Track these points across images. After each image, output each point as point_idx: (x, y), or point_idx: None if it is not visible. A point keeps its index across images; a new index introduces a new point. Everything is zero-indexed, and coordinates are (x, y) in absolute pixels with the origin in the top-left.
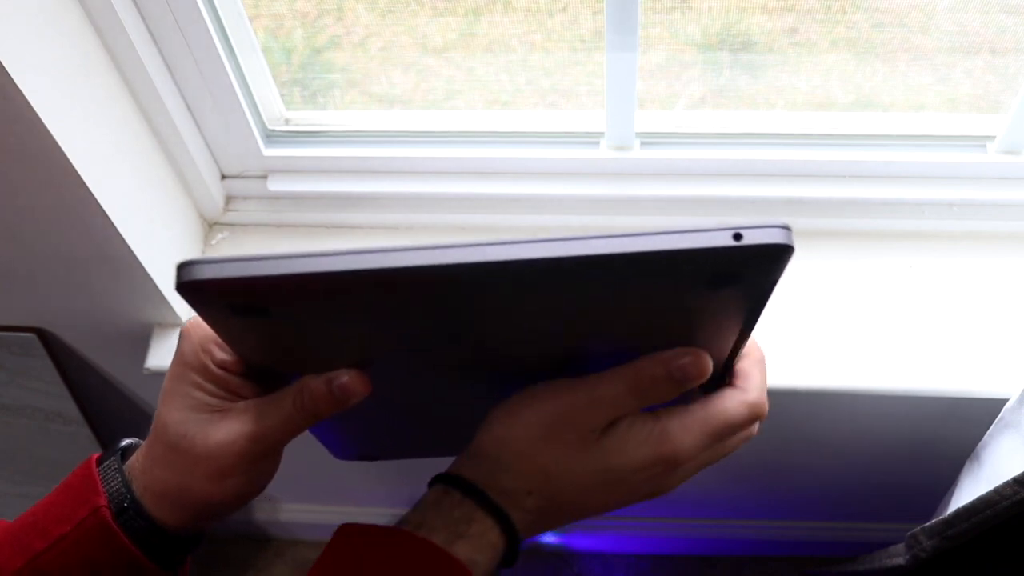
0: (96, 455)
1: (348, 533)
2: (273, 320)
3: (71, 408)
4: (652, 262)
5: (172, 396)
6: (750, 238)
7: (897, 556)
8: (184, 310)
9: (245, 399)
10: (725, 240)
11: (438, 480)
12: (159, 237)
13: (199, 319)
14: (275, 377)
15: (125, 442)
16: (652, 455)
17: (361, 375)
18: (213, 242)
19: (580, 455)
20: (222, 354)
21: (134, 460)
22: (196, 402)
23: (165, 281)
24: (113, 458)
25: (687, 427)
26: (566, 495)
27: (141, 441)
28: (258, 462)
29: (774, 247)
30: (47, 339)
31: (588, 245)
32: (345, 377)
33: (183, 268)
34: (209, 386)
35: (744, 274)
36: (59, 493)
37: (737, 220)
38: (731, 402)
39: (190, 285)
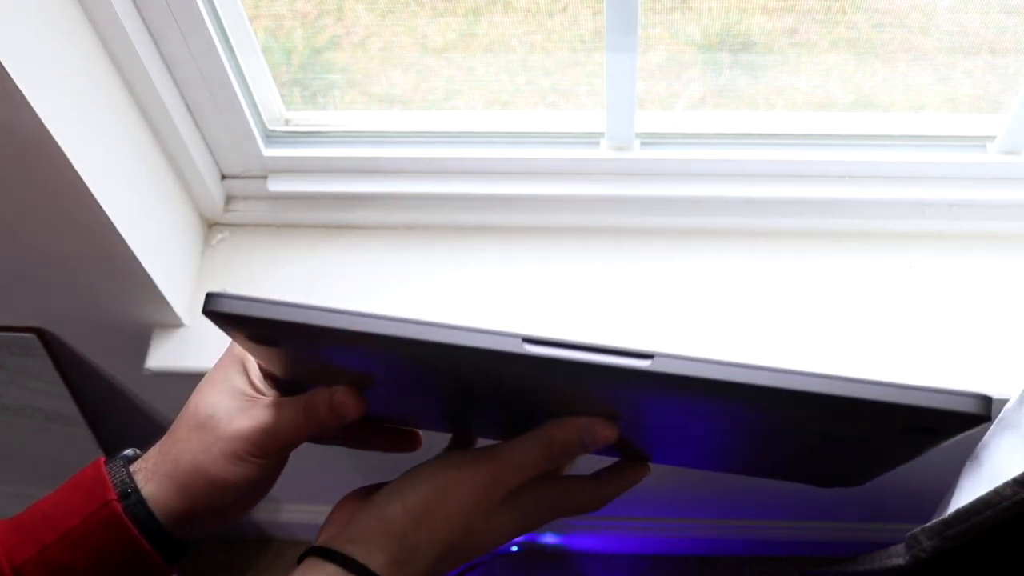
0: (103, 458)
1: None
2: (283, 349)
3: (71, 408)
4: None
5: (211, 382)
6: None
7: (897, 556)
8: (184, 310)
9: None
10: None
11: (331, 559)
12: (159, 237)
13: None
14: (297, 383)
15: (129, 451)
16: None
17: (354, 395)
18: (213, 242)
19: (490, 524)
20: None
21: (143, 459)
22: (233, 388)
23: (165, 281)
24: (119, 460)
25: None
26: (461, 557)
27: (141, 453)
28: (269, 456)
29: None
30: (47, 339)
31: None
32: (340, 395)
33: (210, 298)
34: (250, 376)
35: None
36: (67, 490)
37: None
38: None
39: (213, 314)
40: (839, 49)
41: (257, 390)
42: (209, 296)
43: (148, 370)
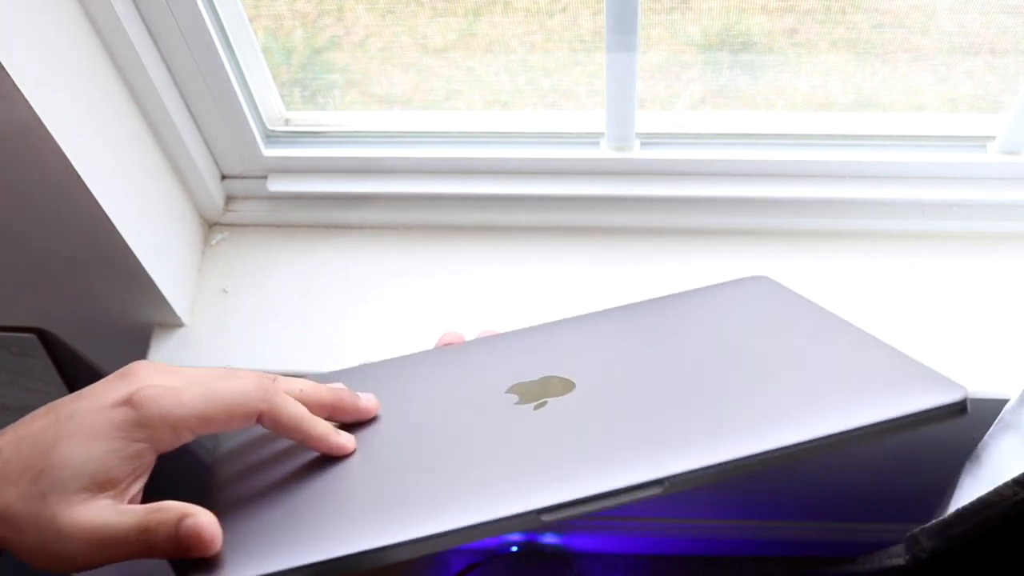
0: None
1: None
2: None
3: None
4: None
5: (89, 434)
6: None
7: (897, 556)
8: (184, 310)
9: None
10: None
11: None
12: (159, 237)
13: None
14: None
15: None
16: None
17: (211, 527)
18: (213, 242)
19: None
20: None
21: None
22: (107, 452)
23: (165, 281)
24: None
25: None
26: None
27: None
28: (79, 568)
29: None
30: (47, 339)
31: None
32: (191, 522)
33: None
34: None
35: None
36: None
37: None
38: None
39: None
40: (839, 49)
41: (129, 473)
42: None
43: None
